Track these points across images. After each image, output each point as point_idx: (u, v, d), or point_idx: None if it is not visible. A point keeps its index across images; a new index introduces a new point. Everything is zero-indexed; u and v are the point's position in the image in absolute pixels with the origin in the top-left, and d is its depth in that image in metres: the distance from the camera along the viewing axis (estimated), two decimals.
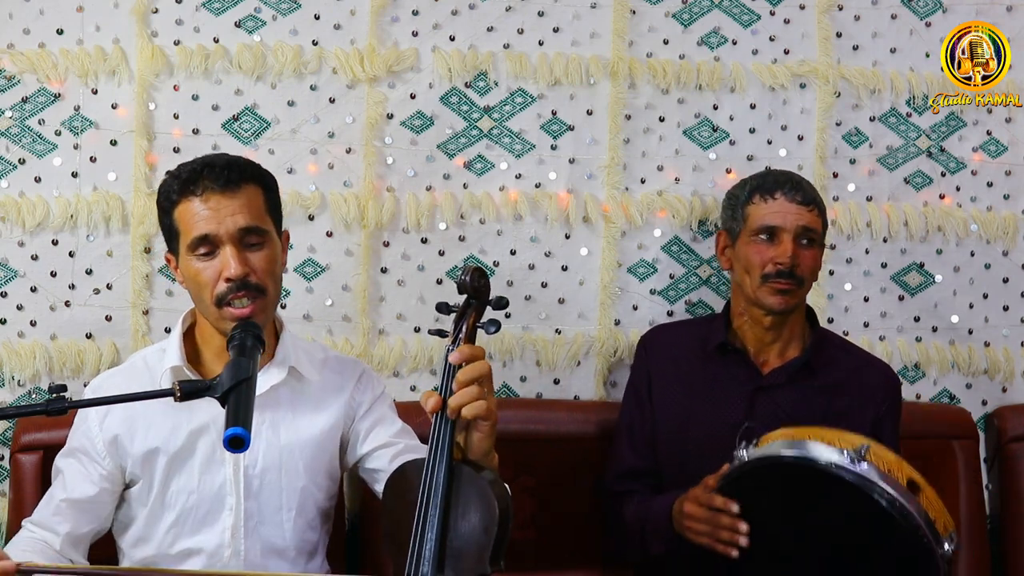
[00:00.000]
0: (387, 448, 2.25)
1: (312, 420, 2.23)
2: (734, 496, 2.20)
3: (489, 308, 2.14)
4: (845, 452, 2.06)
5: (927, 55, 2.98)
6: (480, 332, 2.09)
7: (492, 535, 1.99)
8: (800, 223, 2.53)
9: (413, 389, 2.81)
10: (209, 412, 2.15)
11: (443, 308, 2.15)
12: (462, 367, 2.01)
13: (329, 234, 2.75)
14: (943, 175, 3.01)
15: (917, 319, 3.02)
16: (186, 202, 2.09)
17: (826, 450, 2.08)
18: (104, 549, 2.27)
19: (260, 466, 2.18)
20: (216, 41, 2.69)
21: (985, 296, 3.05)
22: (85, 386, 2.62)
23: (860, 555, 2.12)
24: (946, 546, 2.05)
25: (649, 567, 2.63)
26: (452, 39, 2.79)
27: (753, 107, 2.91)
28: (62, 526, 2.16)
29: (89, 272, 2.66)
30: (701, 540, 2.26)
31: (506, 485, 2.08)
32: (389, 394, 2.38)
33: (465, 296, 2.11)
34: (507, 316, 2.81)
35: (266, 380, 2.16)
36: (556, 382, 2.87)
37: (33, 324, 2.65)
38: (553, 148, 2.84)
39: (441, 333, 2.14)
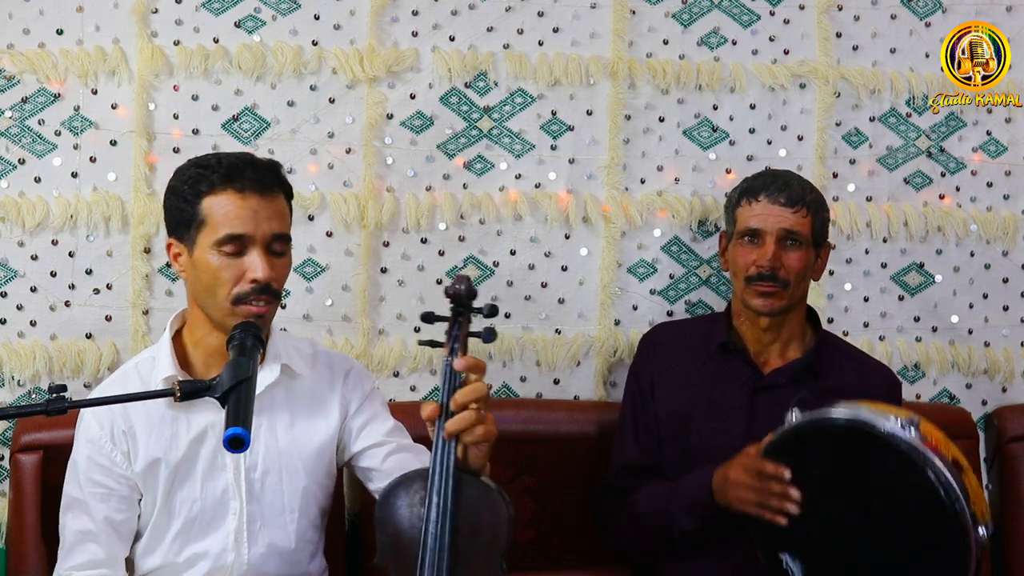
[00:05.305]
0: (380, 447, 2.25)
1: (309, 421, 2.23)
2: (784, 461, 2.20)
3: (480, 316, 2.10)
4: (897, 419, 2.11)
5: (927, 55, 2.98)
6: (475, 341, 2.07)
7: (501, 543, 1.98)
8: (782, 225, 2.53)
9: (413, 389, 2.81)
10: (207, 418, 2.15)
11: (429, 318, 2.11)
12: (462, 377, 2.00)
13: (329, 234, 2.75)
14: (943, 175, 3.01)
15: (917, 319, 3.02)
16: (223, 195, 2.06)
17: (879, 416, 2.14)
18: None
19: (260, 469, 2.18)
20: (216, 41, 2.69)
21: (985, 296, 3.05)
22: (86, 387, 2.64)
23: (895, 533, 2.14)
24: (981, 531, 2.07)
25: (648, 566, 2.64)
26: (452, 39, 2.79)
27: (753, 107, 2.91)
28: (114, 552, 2.15)
29: (89, 272, 2.66)
30: (748, 508, 2.26)
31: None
32: (380, 390, 2.37)
33: (454, 305, 2.08)
34: (507, 316, 2.81)
35: (260, 380, 2.12)
36: (556, 382, 2.87)
37: (33, 324, 2.65)
38: (553, 148, 2.84)
39: (433, 343, 2.10)
